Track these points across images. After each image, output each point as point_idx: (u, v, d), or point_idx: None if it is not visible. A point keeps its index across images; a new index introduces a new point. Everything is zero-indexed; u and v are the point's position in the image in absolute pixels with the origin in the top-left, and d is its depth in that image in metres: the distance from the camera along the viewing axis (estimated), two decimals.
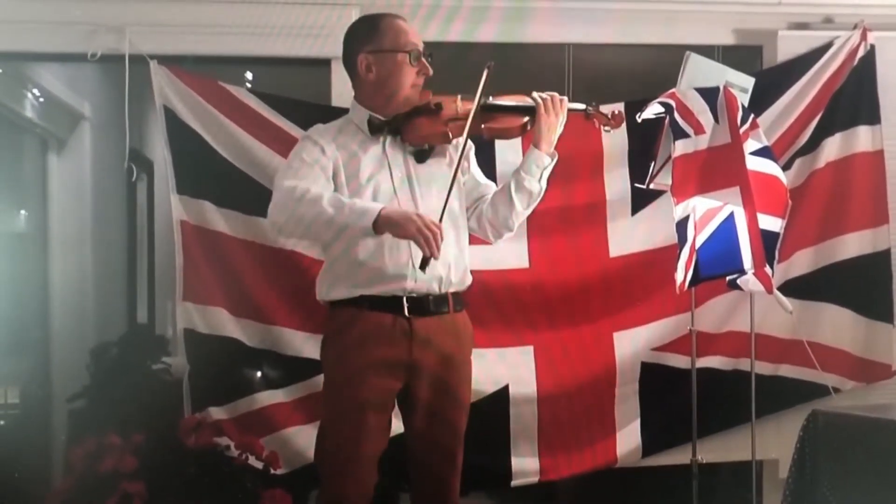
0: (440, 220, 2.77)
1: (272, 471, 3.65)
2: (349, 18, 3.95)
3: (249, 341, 3.86)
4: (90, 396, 4.07)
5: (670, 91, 3.56)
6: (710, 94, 3.53)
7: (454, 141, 2.99)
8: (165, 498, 3.42)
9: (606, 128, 3.21)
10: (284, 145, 3.80)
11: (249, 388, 3.89)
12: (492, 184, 3.21)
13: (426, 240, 2.70)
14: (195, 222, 3.84)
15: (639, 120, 3.60)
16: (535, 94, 3.05)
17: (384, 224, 2.72)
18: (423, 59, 2.97)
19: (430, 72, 2.99)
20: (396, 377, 2.93)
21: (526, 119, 3.04)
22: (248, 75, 4.40)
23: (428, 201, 2.92)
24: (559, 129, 3.05)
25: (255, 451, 3.62)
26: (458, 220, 3.02)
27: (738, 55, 4.18)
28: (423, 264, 2.74)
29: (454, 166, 2.89)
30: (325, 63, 4.04)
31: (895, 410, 3.71)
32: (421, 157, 2.97)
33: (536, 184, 3.04)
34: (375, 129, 2.96)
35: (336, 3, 3.98)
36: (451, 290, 2.98)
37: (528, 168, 3.03)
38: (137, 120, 4.36)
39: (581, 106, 3.18)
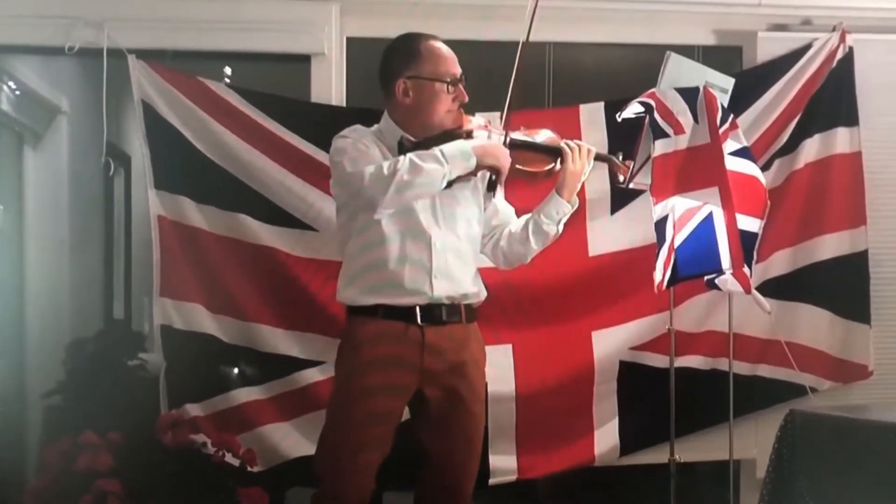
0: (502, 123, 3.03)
1: (249, 468, 3.63)
2: (328, 14, 3.98)
3: (227, 338, 3.85)
4: (65, 392, 4.04)
5: (650, 91, 3.56)
6: (690, 95, 3.54)
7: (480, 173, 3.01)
8: (142, 495, 3.38)
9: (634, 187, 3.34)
10: (263, 141, 3.79)
11: (226, 385, 3.88)
12: (510, 210, 3.23)
13: (504, 171, 2.93)
14: (173, 217, 3.82)
15: (618, 119, 3.60)
16: (564, 143, 3.10)
17: (482, 156, 2.89)
18: (460, 86, 2.97)
19: (466, 98, 2.99)
20: (407, 385, 2.94)
21: (551, 165, 3.08)
22: (227, 70, 4.37)
23: (450, 224, 2.96)
24: (583, 178, 3.12)
25: (231, 448, 3.60)
26: (475, 239, 3.07)
27: (718, 56, 4.19)
28: (493, 187, 3.03)
29: (478, 192, 3.06)
30: (304, 59, 4.03)
31: (872, 411, 3.73)
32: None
33: (554, 227, 3.10)
34: (405, 150, 2.91)
35: None
36: (465, 301, 3.01)
37: (549, 213, 3.08)
38: (115, 114, 4.34)
39: (606, 156, 3.29)
